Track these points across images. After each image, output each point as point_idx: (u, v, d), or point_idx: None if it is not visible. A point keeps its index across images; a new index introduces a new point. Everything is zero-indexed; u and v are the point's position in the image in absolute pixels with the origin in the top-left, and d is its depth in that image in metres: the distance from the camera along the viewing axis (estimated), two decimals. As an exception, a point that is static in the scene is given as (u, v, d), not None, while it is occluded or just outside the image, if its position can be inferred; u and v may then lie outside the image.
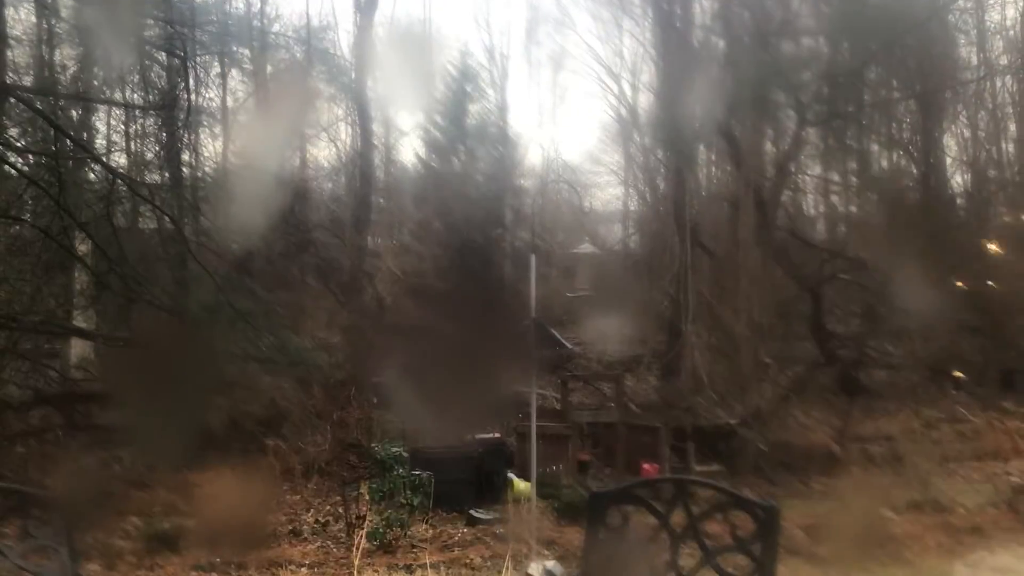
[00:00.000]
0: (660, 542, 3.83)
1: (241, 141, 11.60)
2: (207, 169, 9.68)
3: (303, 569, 7.12)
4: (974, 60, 12.55)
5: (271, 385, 10.81)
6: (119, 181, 8.68)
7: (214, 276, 9.24)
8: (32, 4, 8.79)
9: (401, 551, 7.46)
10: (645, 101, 21.23)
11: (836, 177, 14.14)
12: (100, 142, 9.35)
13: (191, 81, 8.99)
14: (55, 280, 9.60)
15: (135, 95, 9.31)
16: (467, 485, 9.22)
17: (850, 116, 11.40)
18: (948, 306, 10.34)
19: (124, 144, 10.61)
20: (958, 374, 13.20)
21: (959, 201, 12.67)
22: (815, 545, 7.68)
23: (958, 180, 13.81)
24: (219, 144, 10.42)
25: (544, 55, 36.87)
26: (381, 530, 7.49)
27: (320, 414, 10.96)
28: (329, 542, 7.97)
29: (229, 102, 10.22)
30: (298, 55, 12.43)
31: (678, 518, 3.67)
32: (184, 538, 7.87)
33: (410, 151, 28.22)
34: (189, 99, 9.11)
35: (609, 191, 21.87)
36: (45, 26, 8.91)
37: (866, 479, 10.51)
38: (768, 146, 13.83)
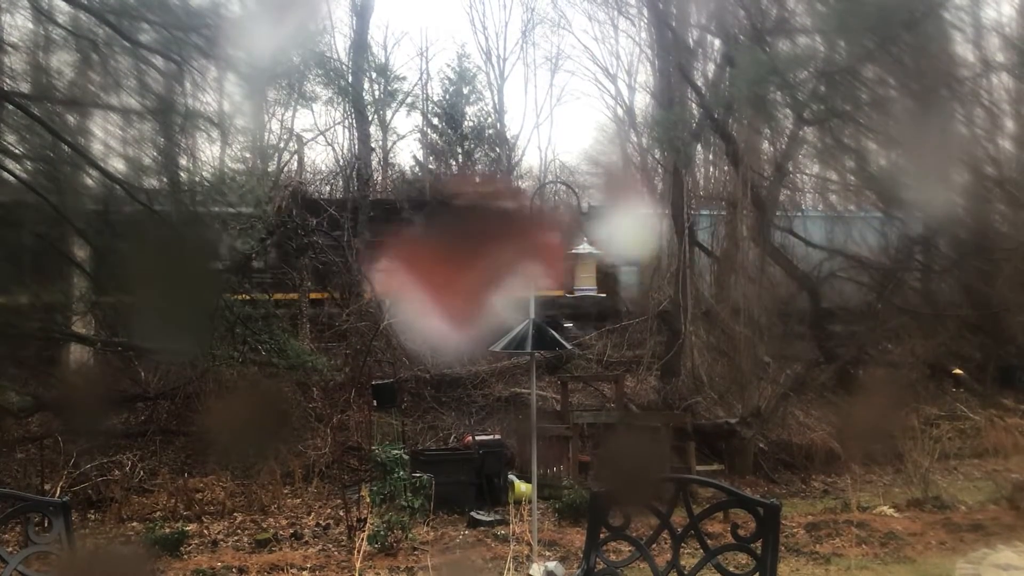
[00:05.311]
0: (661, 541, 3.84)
1: (239, 145, 11.60)
2: (205, 174, 9.65)
3: (304, 572, 7.11)
4: (971, 57, 12.56)
5: (271, 388, 10.81)
6: (117, 186, 8.68)
7: (213, 280, 9.25)
8: (29, 10, 8.79)
9: (402, 553, 7.46)
10: (642, 101, 21.32)
11: (834, 176, 14.17)
12: (98, 147, 9.34)
13: (188, 85, 8.98)
14: (54, 286, 9.60)
15: (132, 100, 9.30)
16: (468, 487, 9.23)
17: (847, 115, 11.41)
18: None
19: (122, 149, 10.60)
20: (958, 371, 13.22)
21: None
22: (816, 543, 7.69)
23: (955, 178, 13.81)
24: (216, 148, 10.40)
25: (541, 56, 37.14)
26: (382, 533, 7.49)
27: (320, 417, 10.97)
28: (330, 545, 7.97)
29: (226, 106, 10.20)
30: (295, 59, 12.43)
31: (679, 517, 3.68)
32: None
33: (407, 153, 28.31)
34: (186, 103, 9.11)
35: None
36: (42, 32, 8.91)
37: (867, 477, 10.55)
38: (765, 145, 13.86)
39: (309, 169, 17.32)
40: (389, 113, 23.00)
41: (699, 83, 12.84)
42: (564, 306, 14.36)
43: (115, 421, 10.65)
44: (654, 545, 3.75)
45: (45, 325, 9.93)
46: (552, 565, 6.05)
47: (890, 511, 8.68)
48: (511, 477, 9.55)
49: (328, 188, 17.56)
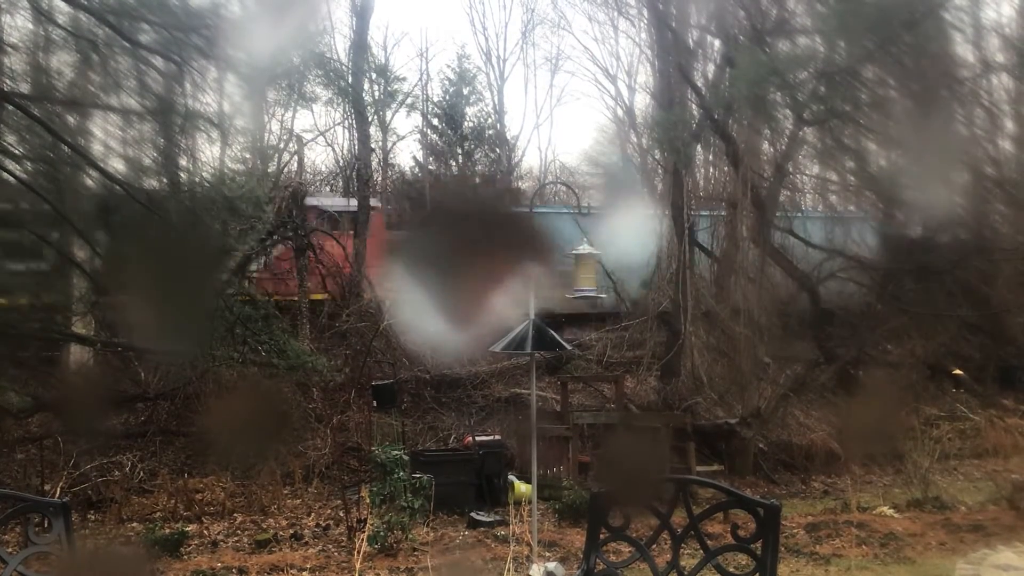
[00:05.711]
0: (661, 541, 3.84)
1: (239, 146, 11.60)
2: (205, 174, 9.66)
3: (304, 573, 7.12)
4: (971, 58, 12.55)
5: (270, 389, 10.81)
6: (117, 187, 8.68)
7: (213, 281, 9.25)
8: (29, 10, 8.79)
9: (402, 554, 7.46)
10: (642, 102, 21.33)
11: (834, 176, 14.16)
12: (98, 148, 9.35)
13: (188, 86, 8.98)
14: (54, 286, 9.60)
15: (132, 100, 9.30)
16: (468, 488, 9.23)
17: (847, 115, 11.40)
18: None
19: (122, 150, 10.61)
20: (958, 372, 13.22)
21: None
22: (816, 544, 7.69)
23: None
24: (216, 149, 10.41)
25: (540, 57, 37.19)
26: (382, 533, 7.49)
27: (320, 418, 10.96)
28: (330, 546, 7.97)
29: (226, 107, 10.21)
30: (295, 59, 12.43)
31: (679, 518, 3.68)
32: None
33: (407, 154, 28.31)
34: (186, 104, 9.11)
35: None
36: (42, 32, 8.91)
37: (867, 478, 10.54)
38: (765, 146, 13.84)
39: (309, 170, 17.35)
40: (389, 114, 22.99)
41: (699, 84, 12.83)
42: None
43: (115, 422, 10.65)
44: (654, 546, 3.75)
45: (45, 325, 9.93)
46: (552, 566, 6.04)
47: (890, 512, 8.68)
48: (511, 478, 9.55)
49: (328, 189, 17.58)
